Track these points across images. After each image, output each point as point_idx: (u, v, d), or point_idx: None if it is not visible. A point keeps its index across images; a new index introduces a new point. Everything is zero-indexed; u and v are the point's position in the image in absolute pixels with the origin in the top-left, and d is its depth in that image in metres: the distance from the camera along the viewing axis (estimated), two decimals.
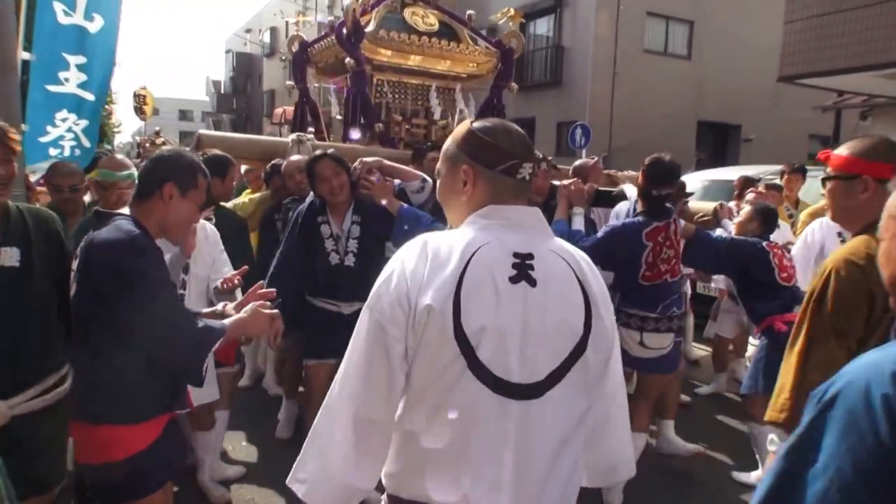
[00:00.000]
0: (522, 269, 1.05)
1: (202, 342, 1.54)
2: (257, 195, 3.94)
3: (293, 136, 4.10)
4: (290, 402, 3.48)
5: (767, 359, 2.83)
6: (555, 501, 1.06)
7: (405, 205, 2.70)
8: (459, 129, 1.18)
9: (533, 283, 1.05)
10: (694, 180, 6.82)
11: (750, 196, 4.09)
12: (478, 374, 1.00)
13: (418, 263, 1.04)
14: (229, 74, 35.54)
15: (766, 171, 6.15)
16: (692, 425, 3.71)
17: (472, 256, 1.04)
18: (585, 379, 1.07)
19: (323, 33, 5.16)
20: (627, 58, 14.12)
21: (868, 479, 0.60)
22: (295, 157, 3.45)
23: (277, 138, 5.23)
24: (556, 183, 3.17)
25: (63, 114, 3.57)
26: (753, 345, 3.11)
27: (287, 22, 16.68)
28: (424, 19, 4.89)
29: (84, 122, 3.68)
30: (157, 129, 13.46)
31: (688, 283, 4.02)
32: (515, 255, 1.06)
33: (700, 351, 5.22)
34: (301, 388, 3.44)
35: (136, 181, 1.74)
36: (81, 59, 3.64)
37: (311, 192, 2.85)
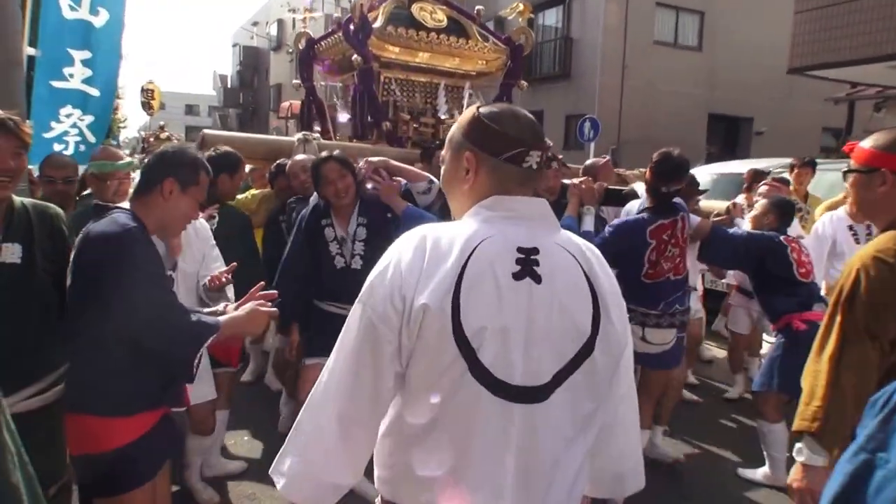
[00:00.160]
0: (527, 264, 1.00)
1: (193, 336, 1.54)
2: (260, 192, 3.92)
3: (299, 135, 4.08)
4: (292, 399, 3.48)
5: (784, 357, 2.79)
6: None
7: (410, 205, 2.68)
8: (465, 115, 1.12)
9: (538, 279, 1.00)
10: (703, 174, 6.74)
11: (763, 189, 4.01)
12: (479, 377, 0.96)
13: (415, 257, 0.99)
14: (236, 68, 35.53)
15: (776, 165, 6.07)
16: (696, 422, 3.67)
17: (473, 251, 0.99)
18: (592, 381, 1.02)
19: (330, 29, 5.13)
20: (637, 49, 13.95)
21: None
22: (300, 157, 3.43)
23: (282, 137, 5.21)
24: (567, 182, 3.14)
25: (67, 109, 3.57)
26: (769, 342, 3.06)
27: (294, 18, 16.62)
28: (433, 15, 4.83)
29: (89, 118, 3.68)
30: (162, 123, 13.46)
31: (700, 279, 3.96)
32: (520, 249, 1.01)
33: (709, 350, 5.15)
34: None
35: (139, 174, 1.74)
36: (87, 55, 3.64)
37: (315, 194, 2.82)
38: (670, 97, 14.12)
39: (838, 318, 1.47)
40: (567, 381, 1.00)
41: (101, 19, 3.70)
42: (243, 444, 3.32)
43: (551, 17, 15.80)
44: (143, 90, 16.62)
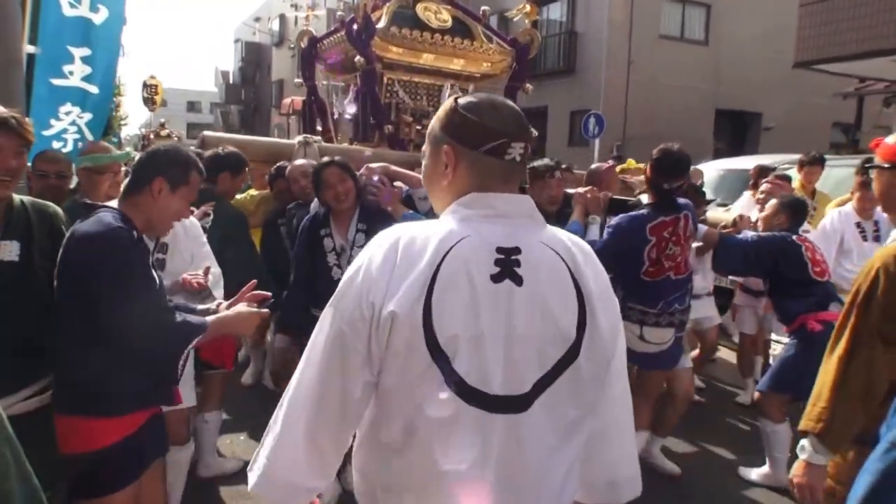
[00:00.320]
0: (507, 265, 0.94)
1: (179, 336, 1.53)
2: (259, 193, 3.89)
3: (300, 137, 4.02)
4: None
5: (795, 358, 2.73)
6: None
7: (409, 211, 2.67)
8: (443, 108, 1.06)
9: (519, 281, 0.94)
10: (710, 169, 6.68)
11: (765, 187, 3.94)
12: (454, 387, 0.90)
13: (386, 259, 0.94)
14: (238, 64, 35.54)
15: (785, 161, 5.98)
16: (696, 422, 3.63)
17: (447, 253, 0.93)
18: (577, 387, 0.97)
19: (333, 27, 5.06)
20: (643, 44, 13.85)
21: None
22: (300, 161, 3.38)
23: (283, 140, 5.14)
24: (571, 191, 3.08)
25: (67, 107, 3.56)
26: (781, 343, 3.00)
27: (297, 16, 16.56)
28: (437, 15, 4.75)
29: (88, 116, 3.66)
30: (163, 120, 13.41)
31: (710, 277, 3.89)
32: (499, 249, 0.95)
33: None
34: None
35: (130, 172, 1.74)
36: (86, 52, 3.63)
37: (316, 200, 2.80)
38: (676, 92, 14.00)
39: (852, 320, 1.47)
40: (549, 388, 0.94)
41: (100, 16, 3.68)
42: (239, 443, 3.31)
43: (556, 11, 15.70)
44: (145, 85, 16.60)
